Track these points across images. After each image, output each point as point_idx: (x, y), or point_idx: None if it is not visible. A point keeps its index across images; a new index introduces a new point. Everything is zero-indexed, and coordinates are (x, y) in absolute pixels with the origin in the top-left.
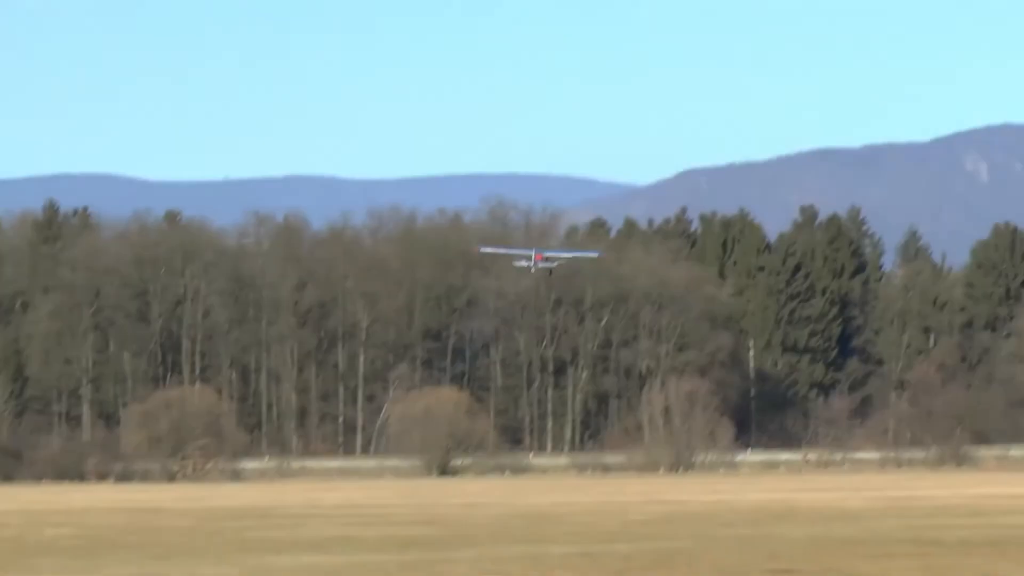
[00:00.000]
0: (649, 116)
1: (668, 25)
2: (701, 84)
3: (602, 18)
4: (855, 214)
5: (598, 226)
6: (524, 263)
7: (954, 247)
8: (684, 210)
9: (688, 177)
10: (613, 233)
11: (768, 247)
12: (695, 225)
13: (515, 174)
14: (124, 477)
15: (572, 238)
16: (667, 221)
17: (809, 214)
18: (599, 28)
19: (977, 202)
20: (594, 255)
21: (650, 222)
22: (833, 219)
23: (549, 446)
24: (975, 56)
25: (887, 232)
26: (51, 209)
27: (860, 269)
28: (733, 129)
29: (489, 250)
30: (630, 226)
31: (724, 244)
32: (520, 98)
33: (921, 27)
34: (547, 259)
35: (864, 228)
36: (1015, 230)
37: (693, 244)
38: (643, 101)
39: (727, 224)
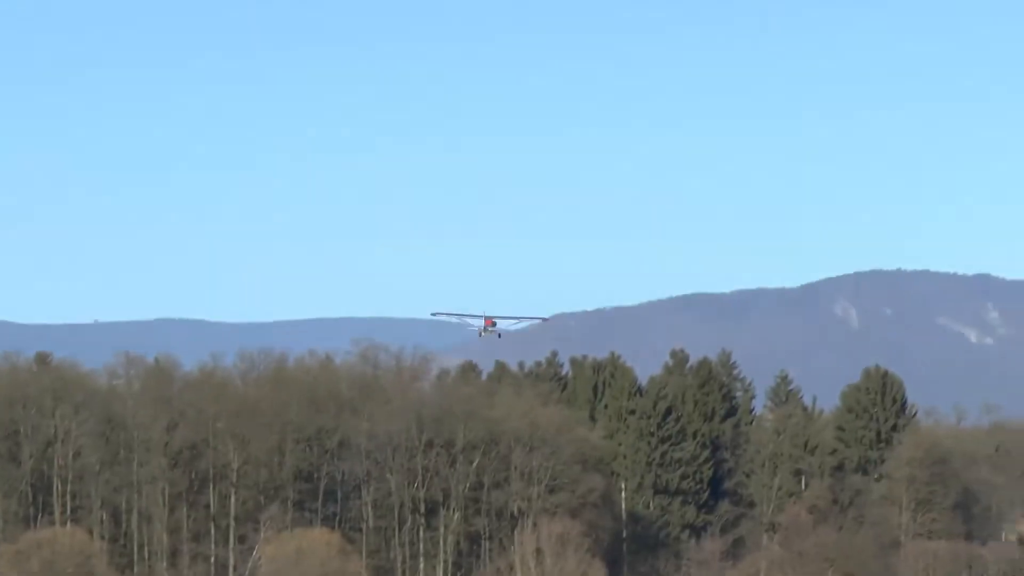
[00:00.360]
0: (518, 260)
1: (536, 169)
2: (571, 229)
3: (462, 167)
4: (725, 358)
5: (469, 369)
6: (474, 328)
7: (825, 391)
8: (555, 354)
9: (559, 321)
10: (484, 376)
11: (639, 390)
12: (566, 368)
13: (386, 318)
14: None
15: (443, 380)
16: (538, 364)
17: (680, 358)
18: (462, 176)
19: (847, 346)
20: (542, 319)
21: (521, 365)
22: (704, 363)
23: None
24: (844, 204)
25: (758, 376)
26: None
27: (731, 412)
28: (603, 274)
29: (442, 313)
30: (501, 369)
31: (595, 387)
32: (390, 243)
33: (790, 175)
34: (495, 325)
35: (735, 372)
36: (885, 374)
37: (564, 387)
38: (512, 246)
39: (598, 367)
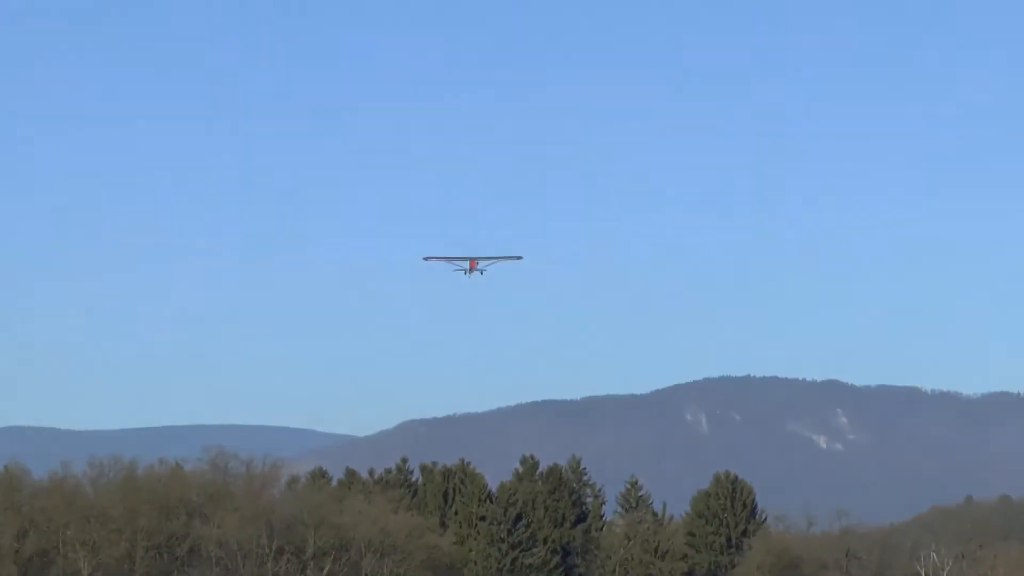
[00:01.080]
0: (368, 368)
1: (389, 280)
2: (420, 337)
3: (320, 274)
4: (576, 464)
5: (319, 476)
6: (458, 269)
7: (675, 496)
8: (405, 460)
9: (409, 428)
10: (334, 483)
11: (489, 496)
12: (416, 475)
13: (236, 425)
14: None
15: (293, 487)
16: (388, 471)
17: (530, 464)
18: (312, 286)
19: (697, 452)
20: (517, 257)
21: (371, 472)
22: (554, 469)
23: None
24: (693, 310)
25: (608, 481)
26: None
27: (581, 518)
28: (453, 380)
29: (433, 258)
30: (351, 476)
31: (445, 493)
32: (239, 351)
33: (639, 282)
34: (479, 265)
35: (585, 478)
36: (735, 479)
37: (414, 493)
38: (362, 353)
39: (448, 474)
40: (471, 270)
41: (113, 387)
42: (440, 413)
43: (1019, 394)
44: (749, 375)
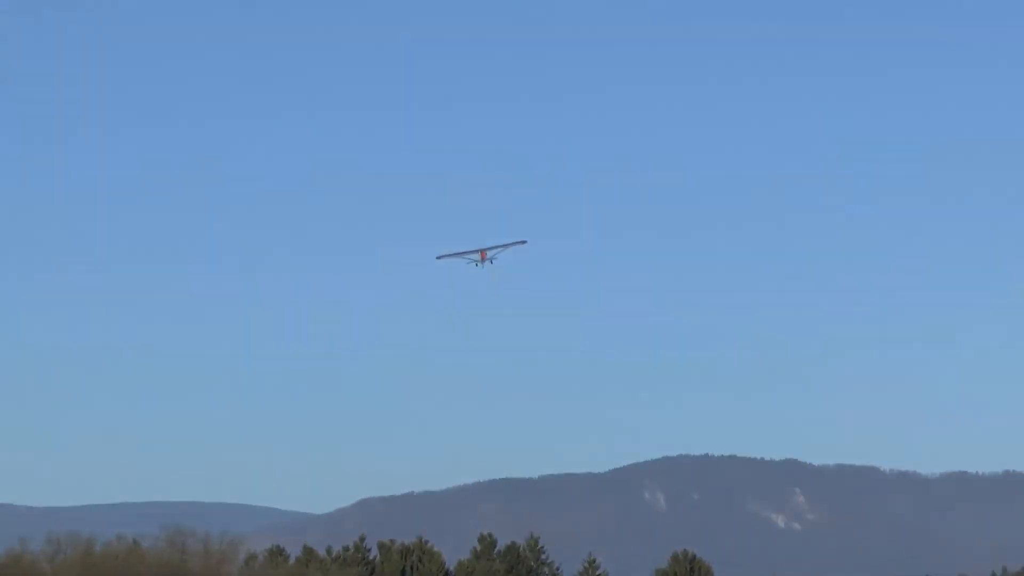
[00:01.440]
0: (326, 445)
1: (344, 361)
2: (378, 414)
3: (275, 351)
4: (533, 543)
5: (276, 553)
6: (472, 260)
7: (633, 574)
8: (363, 538)
9: (366, 505)
10: (292, 560)
11: (447, 574)
12: (374, 552)
13: (194, 502)
14: None
15: (251, 565)
16: (346, 549)
17: (488, 542)
18: (273, 362)
19: (655, 530)
20: (522, 242)
21: (329, 550)
22: (511, 547)
23: None
24: (652, 389)
25: (566, 560)
26: None
27: None
28: (412, 459)
29: (446, 255)
30: (309, 553)
31: (403, 572)
32: (198, 427)
33: (597, 361)
34: (489, 255)
35: (543, 556)
36: (693, 558)
37: (372, 571)
38: (320, 431)
39: (406, 552)
40: (482, 261)
41: (71, 463)
42: (398, 491)
43: (977, 474)
44: (708, 454)
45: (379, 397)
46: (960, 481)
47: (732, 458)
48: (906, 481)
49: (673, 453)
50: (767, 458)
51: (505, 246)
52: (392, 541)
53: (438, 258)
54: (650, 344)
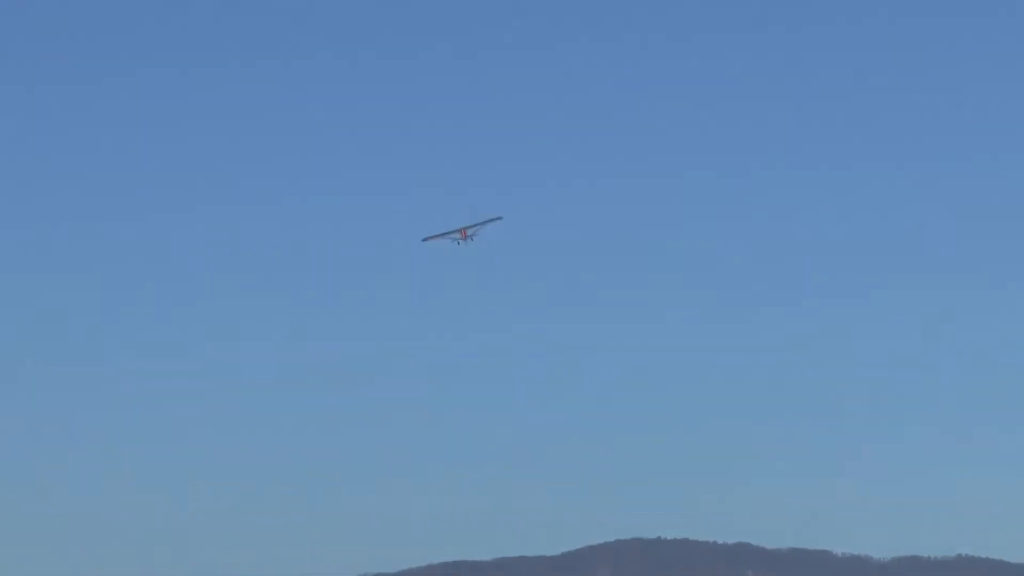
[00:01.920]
0: (270, 529)
1: (280, 454)
2: (326, 495)
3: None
4: None
5: None
6: (453, 240)
7: None
8: None
9: None
10: None
11: None
12: None
13: None
14: None
15: None
16: None
17: None
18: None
19: None
20: (498, 218)
21: None
22: None
23: None
24: (604, 473)
25: None
26: None
27: None
28: (361, 540)
29: (431, 237)
30: None
31: None
32: (144, 513)
33: (547, 442)
34: (469, 232)
35: None
36: None
37: None
38: (261, 514)
39: None
40: (463, 239)
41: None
42: (348, 575)
43: (929, 558)
44: (660, 536)
45: (321, 479)
46: (912, 565)
47: (684, 541)
48: (858, 565)
49: (625, 535)
50: (720, 541)
51: (484, 223)
52: None
53: (424, 240)
54: (598, 427)
